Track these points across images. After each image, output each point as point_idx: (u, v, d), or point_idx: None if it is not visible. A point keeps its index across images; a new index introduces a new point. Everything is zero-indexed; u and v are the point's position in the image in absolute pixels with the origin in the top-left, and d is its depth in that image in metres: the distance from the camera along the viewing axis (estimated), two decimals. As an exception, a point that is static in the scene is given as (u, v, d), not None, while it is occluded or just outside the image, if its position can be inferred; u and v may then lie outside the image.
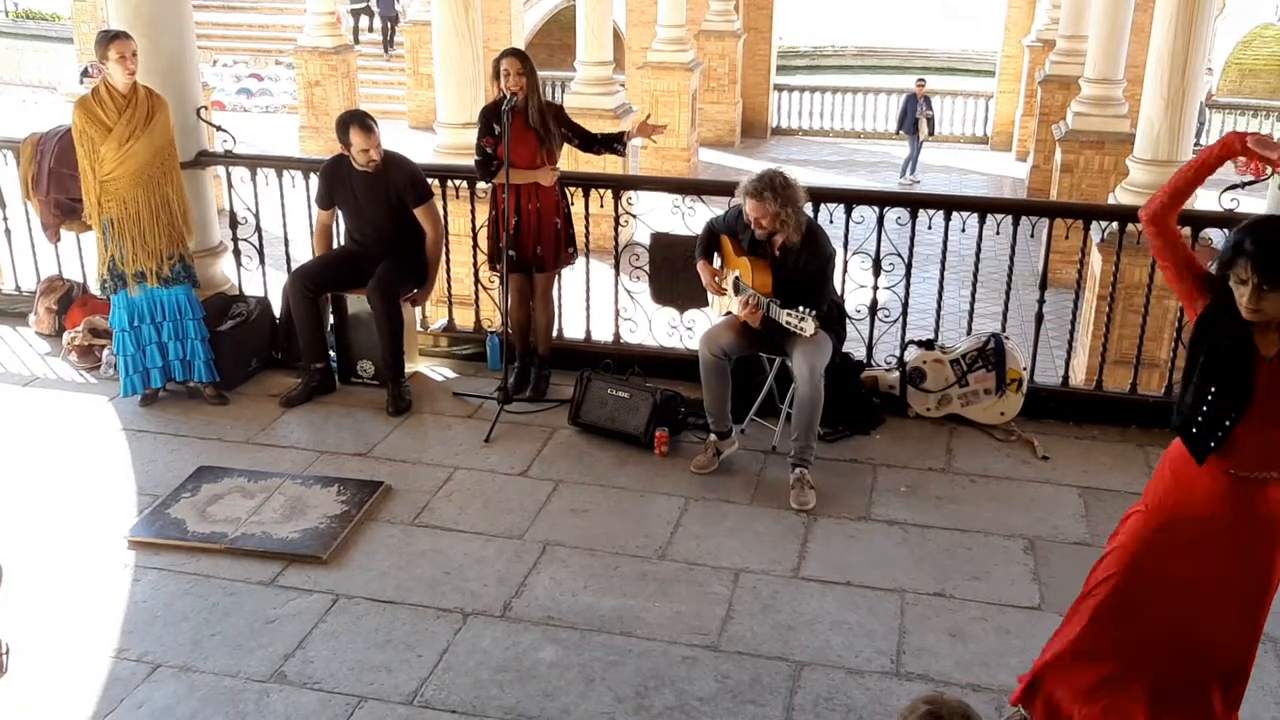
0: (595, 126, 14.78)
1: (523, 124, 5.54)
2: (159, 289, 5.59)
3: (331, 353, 6.05)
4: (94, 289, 6.27)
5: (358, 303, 5.88)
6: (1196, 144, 11.80)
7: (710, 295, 5.34)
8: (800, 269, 4.90)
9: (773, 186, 4.79)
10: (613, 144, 5.83)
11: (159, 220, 5.50)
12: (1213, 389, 2.94)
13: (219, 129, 6.39)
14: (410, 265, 5.84)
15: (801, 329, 4.70)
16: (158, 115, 5.43)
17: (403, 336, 5.84)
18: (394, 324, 5.74)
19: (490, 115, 5.63)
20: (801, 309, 4.70)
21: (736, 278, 5.09)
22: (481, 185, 6.02)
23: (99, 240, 5.53)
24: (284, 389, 5.91)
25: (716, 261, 5.26)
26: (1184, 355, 5.77)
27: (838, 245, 5.33)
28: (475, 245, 6.40)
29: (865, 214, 5.77)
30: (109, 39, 5.30)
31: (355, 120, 5.62)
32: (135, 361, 5.64)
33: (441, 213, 6.04)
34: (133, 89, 5.38)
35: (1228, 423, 2.92)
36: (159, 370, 5.70)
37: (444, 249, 6.02)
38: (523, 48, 18.70)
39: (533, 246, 5.74)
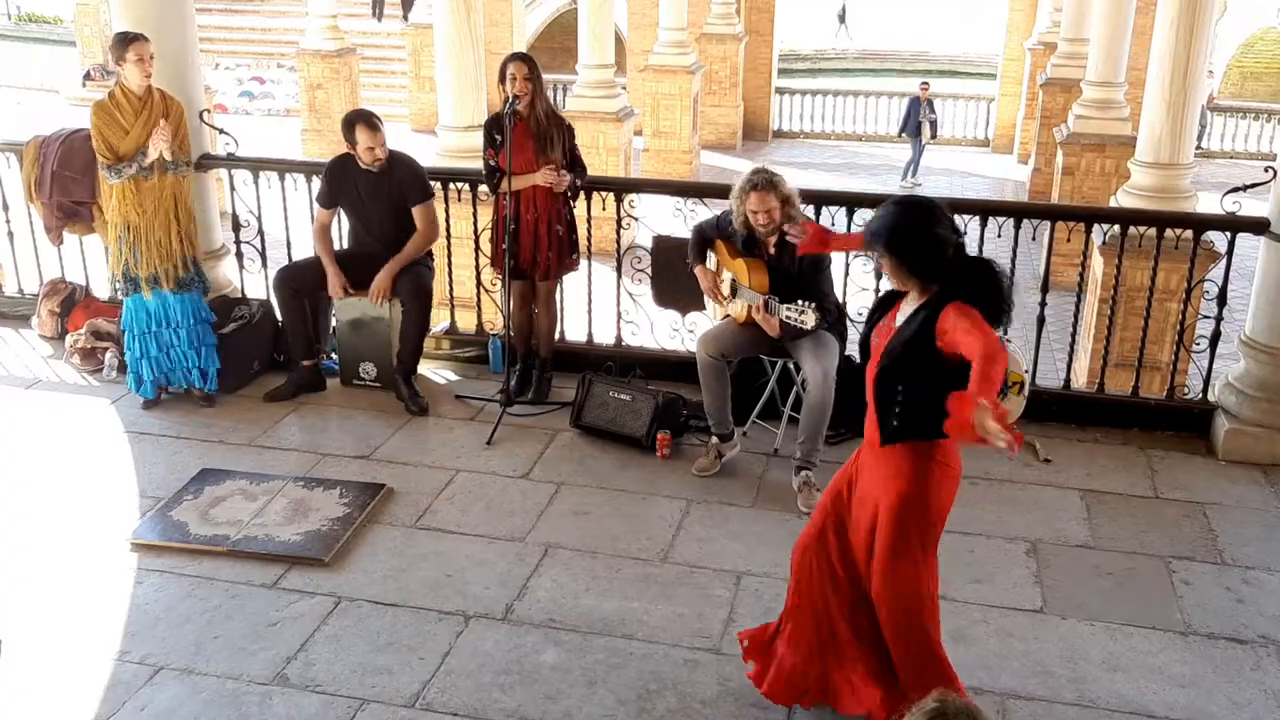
0: (596, 130, 14.84)
1: (525, 130, 5.54)
2: (172, 293, 5.60)
3: (334, 355, 6.08)
4: (107, 292, 6.27)
5: (361, 305, 5.88)
6: (1198, 147, 11.81)
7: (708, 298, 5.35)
8: (797, 264, 4.91)
9: (772, 178, 4.85)
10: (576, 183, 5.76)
11: (175, 223, 5.52)
12: None
13: (221, 131, 6.40)
14: (425, 265, 5.89)
15: (803, 322, 4.72)
16: (172, 117, 5.45)
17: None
18: (424, 327, 5.87)
19: (492, 126, 5.65)
20: (801, 302, 4.73)
21: (733, 280, 5.10)
22: (484, 189, 6.04)
23: (113, 244, 5.54)
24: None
25: (711, 262, 5.26)
26: (1185, 358, 5.81)
27: (840, 248, 5.33)
28: (477, 248, 6.40)
29: (867, 217, 5.75)
30: (127, 41, 5.32)
31: (361, 118, 5.65)
32: (145, 365, 5.64)
33: (442, 218, 6.03)
34: (148, 91, 5.39)
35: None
36: (166, 374, 5.70)
37: (428, 252, 5.98)
38: (524, 51, 18.73)
39: (532, 254, 5.73)
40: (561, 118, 5.76)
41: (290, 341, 5.96)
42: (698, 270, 5.25)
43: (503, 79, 5.54)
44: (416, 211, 5.78)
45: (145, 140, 5.35)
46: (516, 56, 5.63)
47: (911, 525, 3.27)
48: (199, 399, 5.78)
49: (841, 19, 34.31)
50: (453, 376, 6.23)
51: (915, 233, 3.21)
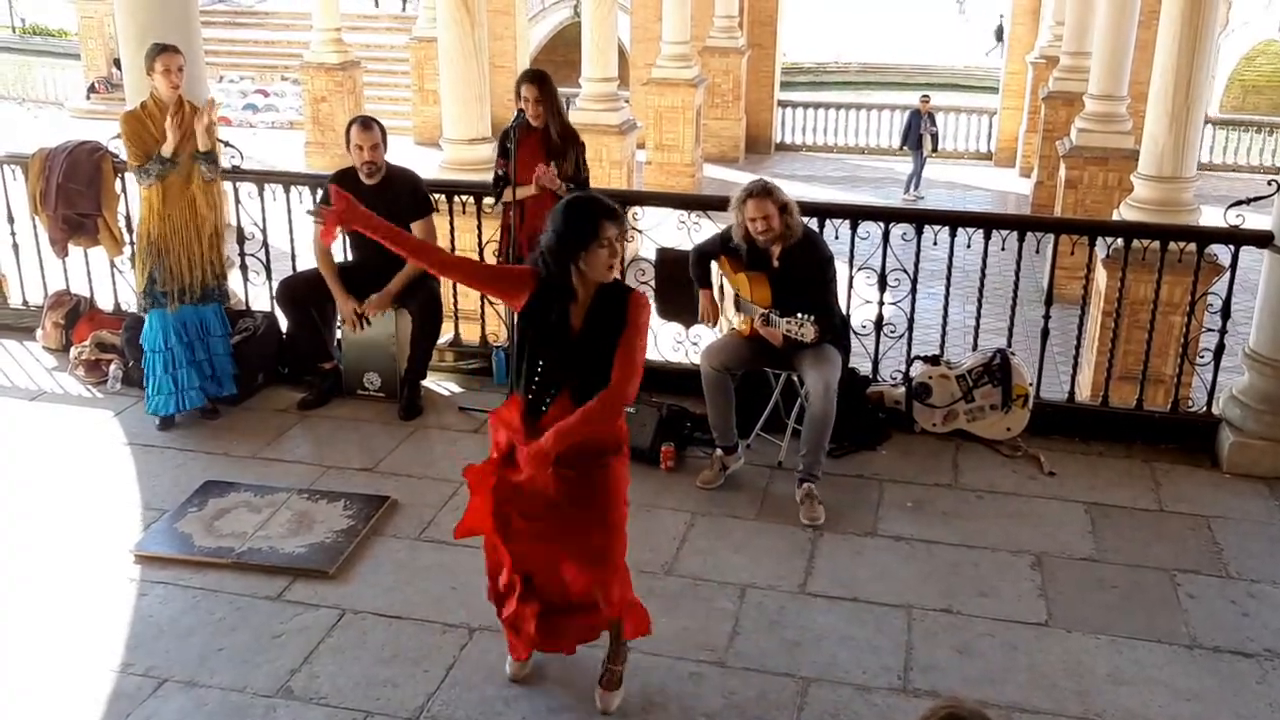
0: (599, 143, 14.91)
1: (536, 144, 5.58)
2: (193, 307, 5.62)
3: (339, 365, 6.09)
4: (111, 304, 6.27)
5: (368, 333, 5.88)
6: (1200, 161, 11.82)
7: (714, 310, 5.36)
8: (800, 276, 4.92)
9: (767, 185, 4.87)
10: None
11: (202, 234, 5.56)
12: (541, 362, 3.55)
13: (226, 144, 6.41)
14: (430, 279, 5.91)
15: (801, 335, 4.73)
16: (200, 115, 5.50)
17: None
18: (435, 336, 5.99)
19: (507, 137, 5.70)
20: (800, 315, 4.73)
21: (737, 295, 5.11)
22: (488, 201, 6.08)
23: (139, 256, 5.55)
24: (290, 404, 5.93)
25: (716, 277, 5.27)
26: (1189, 371, 5.80)
27: (843, 261, 5.34)
28: (482, 260, 6.41)
29: (870, 229, 5.78)
30: (156, 52, 5.37)
31: (358, 119, 5.76)
32: (165, 382, 5.61)
33: (446, 230, 6.05)
34: (178, 102, 5.43)
35: (553, 390, 3.54)
36: (196, 391, 5.65)
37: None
38: (528, 64, 18.77)
39: None
40: (575, 132, 5.83)
41: (306, 350, 5.99)
42: (703, 295, 5.30)
43: (518, 96, 5.65)
44: (416, 227, 5.78)
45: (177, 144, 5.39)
46: (528, 77, 5.69)
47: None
48: (206, 411, 5.78)
49: (999, 36, 34.09)
50: (456, 388, 6.23)
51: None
